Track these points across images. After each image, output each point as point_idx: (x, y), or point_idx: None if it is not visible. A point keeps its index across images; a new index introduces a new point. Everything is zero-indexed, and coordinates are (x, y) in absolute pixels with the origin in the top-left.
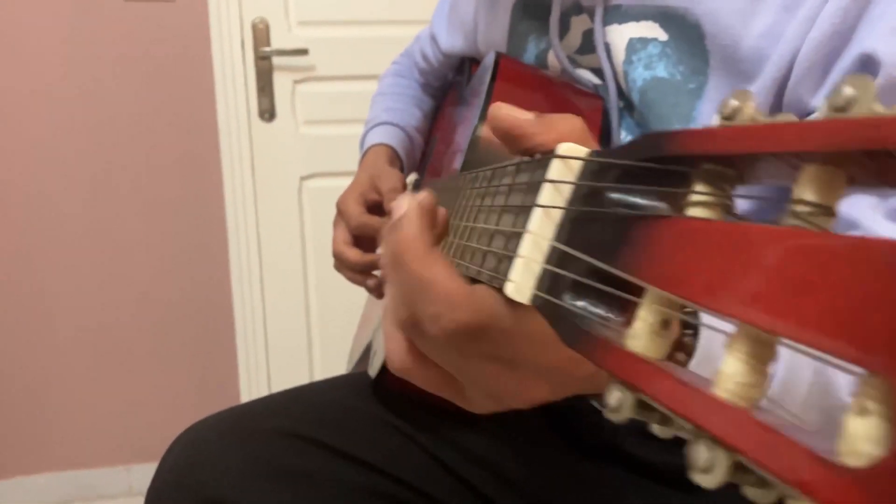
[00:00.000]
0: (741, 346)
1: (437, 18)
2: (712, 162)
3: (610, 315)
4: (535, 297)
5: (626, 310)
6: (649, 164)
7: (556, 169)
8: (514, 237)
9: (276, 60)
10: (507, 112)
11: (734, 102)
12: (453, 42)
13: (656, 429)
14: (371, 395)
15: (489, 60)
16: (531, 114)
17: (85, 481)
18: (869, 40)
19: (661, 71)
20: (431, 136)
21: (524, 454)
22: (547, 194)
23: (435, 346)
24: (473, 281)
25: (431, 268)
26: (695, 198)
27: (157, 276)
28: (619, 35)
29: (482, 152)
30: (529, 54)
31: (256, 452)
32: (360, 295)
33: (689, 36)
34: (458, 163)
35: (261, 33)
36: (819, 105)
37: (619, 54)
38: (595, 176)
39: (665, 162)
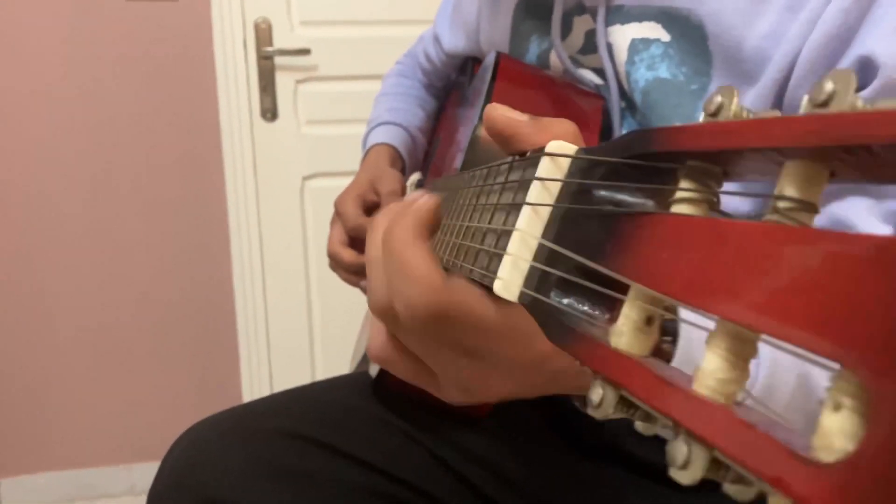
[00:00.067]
0: (721, 342)
1: (440, 18)
2: (697, 159)
3: (596, 312)
4: (523, 295)
5: (613, 307)
6: (636, 161)
7: (545, 167)
8: (504, 235)
9: (278, 60)
10: (501, 113)
11: (718, 99)
12: (456, 42)
13: (639, 426)
14: (371, 394)
15: (490, 60)
16: (525, 115)
17: (87, 480)
18: (868, 42)
19: (663, 72)
20: (434, 136)
21: (524, 454)
22: (535, 192)
23: (407, 332)
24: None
25: (415, 253)
26: (680, 195)
27: (159, 275)
28: (622, 35)
29: (481, 152)
30: (532, 54)
31: (257, 452)
32: (361, 295)
33: (692, 37)
34: (458, 162)
35: (263, 33)
36: None
37: (622, 55)
38: (583, 174)
39: (652, 159)
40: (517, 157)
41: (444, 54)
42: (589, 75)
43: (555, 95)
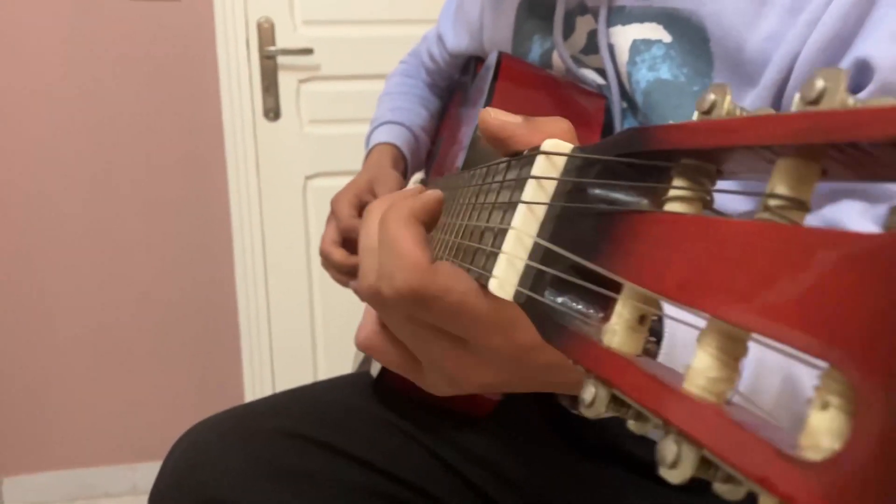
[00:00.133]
0: (712, 340)
1: (443, 18)
2: (691, 157)
3: (590, 311)
4: (518, 294)
5: (606, 306)
6: (630, 159)
7: (540, 165)
8: (500, 234)
9: (280, 60)
10: (494, 116)
11: (711, 97)
12: (459, 42)
13: (632, 425)
14: (372, 394)
15: (492, 60)
16: (519, 117)
17: (89, 480)
18: (865, 45)
19: (664, 73)
20: (438, 135)
21: (524, 454)
22: (531, 190)
23: (391, 313)
24: None
25: (406, 234)
26: (673, 193)
27: (161, 275)
28: (623, 36)
29: (482, 151)
30: (534, 54)
31: (257, 453)
32: None
33: (693, 38)
34: (460, 161)
35: (266, 32)
36: None
37: (623, 55)
38: (578, 172)
39: (646, 157)
40: (514, 156)
41: (447, 54)
42: (591, 75)
43: (556, 95)
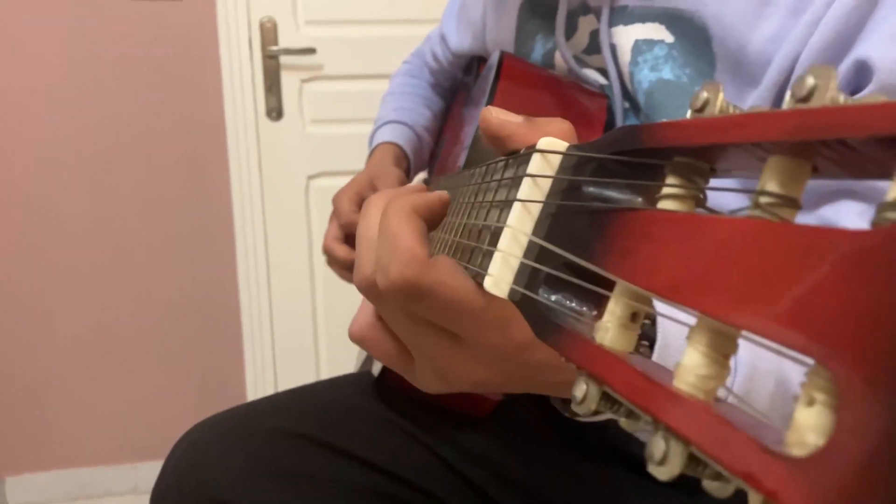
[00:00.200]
0: (701, 337)
1: (446, 18)
2: (683, 154)
3: (583, 309)
4: (513, 292)
5: (600, 304)
6: (624, 157)
7: (535, 164)
8: (496, 232)
9: (283, 59)
10: (495, 115)
11: (704, 95)
12: (462, 42)
13: (623, 423)
14: (373, 394)
15: (494, 60)
16: (520, 116)
17: (91, 479)
18: (865, 46)
19: (667, 73)
20: (441, 135)
21: (524, 454)
22: (526, 189)
23: (385, 305)
24: None
25: (405, 227)
26: (666, 191)
27: (164, 275)
28: (625, 36)
29: (483, 151)
30: (536, 54)
31: (258, 452)
32: None
33: (695, 38)
34: (462, 161)
35: (268, 32)
36: None
37: (625, 55)
38: (574, 170)
39: (639, 155)
40: (512, 155)
41: (450, 54)
42: (593, 75)
43: (558, 94)
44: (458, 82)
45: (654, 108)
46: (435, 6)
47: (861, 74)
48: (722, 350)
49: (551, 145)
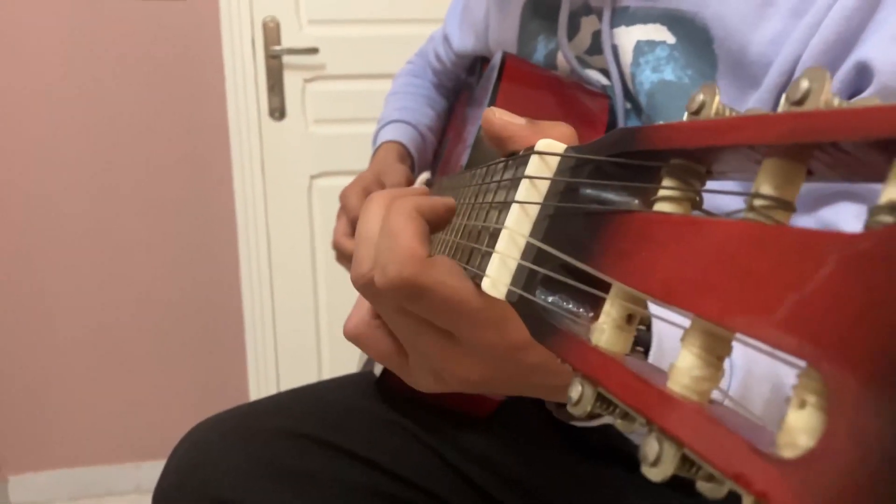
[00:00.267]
0: (695, 339)
1: (450, 18)
2: (679, 157)
3: (580, 310)
4: (510, 293)
5: (596, 305)
6: (621, 159)
7: (534, 165)
8: (495, 233)
9: (286, 59)
10: (499, 116)
11: (700, 97)
12: (465, 42)
13: (619, 424)
14: (374, 394)
15: (496, 60)
16: (523, 119)
17: (94, 478)
18: (866, 48)
19: (668, 74)
20: (444, 136)
21: (526, 454)
22: (524, 190)
23: (381, 302)
24: None
25: (406, 225)
26: (662, 193)
27: (166, 274)
28: (627, 37)
29: (485, 151)
30: (539, 54)
31: (259, 452)
32: None
33: (697, 40)
34: (464, 161)
35: (271, 32)
36: None
37: (627, 56)
38: (572, 172)
39: (636, 157)
40: (511, 156)
41: (453, 54)
42: (596, 76)
43: (560, 95)
44: (461, 83)
45: (656, 109)
46: (437, 6)
47: (862, 76)
48: (716, 352)
49: (549, 147)
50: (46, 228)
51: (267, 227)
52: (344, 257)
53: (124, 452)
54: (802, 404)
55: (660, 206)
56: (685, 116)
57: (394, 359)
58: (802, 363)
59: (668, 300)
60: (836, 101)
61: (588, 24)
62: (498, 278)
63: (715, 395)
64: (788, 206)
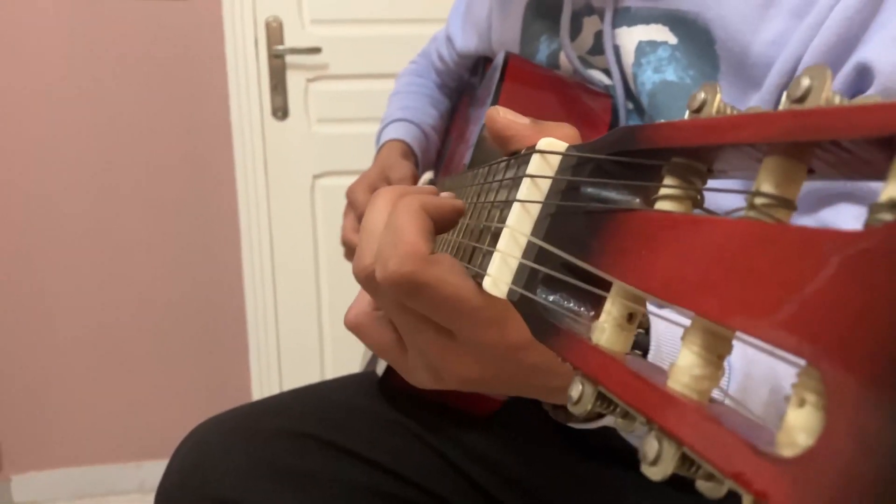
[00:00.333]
0: (696, 338)
1: (452, 19)
2: (680, 155)
3: (581, 309)
4: (511, 292)
5: (597, 304)
6: (623, 158)
7: (535, 164)
8: (496, 232)
9: (289, 59)
10: (503, 114)
11: (702, 95)
12: (468, 42)
13: (619, 423)
14: (376, 393)
15: (499, 60)
16: (527, 118)
17: (97, 477)
18: (867, 49)
19: (670, 74)
20: (447, 135)
21: (527, 454)
22: (525, 189)
23: (380, 295)
24: None
25: (411, 221)
26: (664, 191)
27: (169, 274)
28: (629, 37)
29: (488, 150)
30: (542, 54)
31: (261, 452)
32: None
33: (698, 40)
34: (467, 160)
35: (274, 32)
36: None
37: (629, 57)
38: (573, 171)
39: (637, 156)
40: (513, 155)
41: (456, 54)
42: (598, 76)
43: (563, 95)
44: (464, 83)
45: (658, 110)
46: (440, 5)
47: (862, 77)
48: (716, 351)
49: (551, 146)
50: (49, 228)
51: (270, 226)
52: (352, 253)
53: (126, 452)
54: (802, 403)
55: (661, 205)
56: (686, 115)
57: (392, 351)
58: (802, 362)
59: (668, 299)
60: (837, 99)
61: (590, 25)
62: (499, 277)
63: (715, 394)
64: (789, 205)
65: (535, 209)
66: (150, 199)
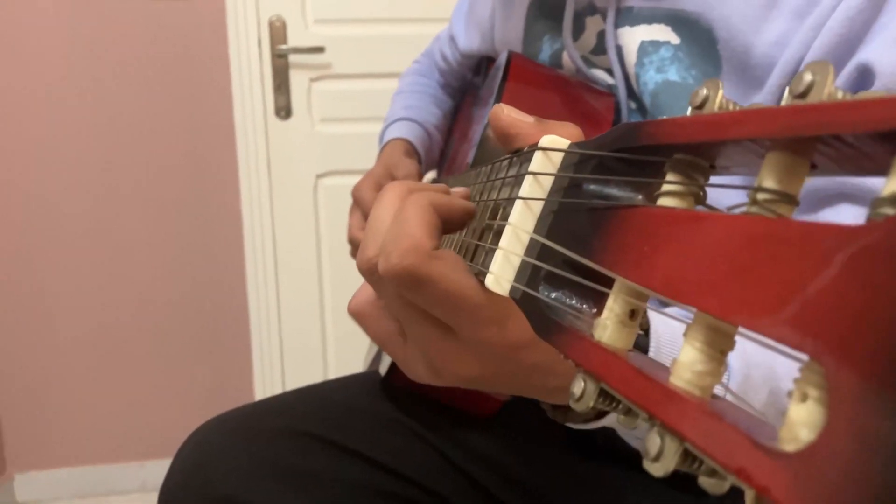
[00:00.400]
0: (698, 334)
1: (455, 19)
2: (682, 151)
3: (583, 306)
4: (514, 290)
5: (599, 301)
6: (625, 155)
7: (537, 162)
8: (499, 230)
9: (292, 58)
10: (506, 112)
11: (704, 92)
12: (471, 42)
13: (621, 419)
14: (379, 393)
15: (501, 60)
16: (531, 117)
17: (99, 477)
18: (868, 50)
19: (672, 74)
20: (450, 135)
21: (528, 454)
22: (528, 187)
23: (381, 288)
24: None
25: (419, 218)
26: (666, 188)
27: (172, 273)
28: (631, 37)
29: (491, 149)
30: (544, 54)
31: (262, 452)
32: None
33: (701, 40)
34: (470, 159)
35: (277, 31)
36: None
37: (631, 57)
38: (575, 168)
39: (640, 152)
40: (515, 153)
41: (459, 54)
42: (602, 75)
43: (566, 94)
44: (467, 83)
45: (660, 110)
46: (443, 5)
47: (864, 78)
48: (718, 346)
49: (553, 143)
50: (50, 228)
51: (273, 226)
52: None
53: (129, 451)
54: (804, 398)
55: (663, 201)
56: (689, 111)
57: (392, 342)
58: (805, 357)
59: (670, 295)
60: (839, 95)
61: (593, 24)
62: (501, 275)
63: (717, 390)
64: (791, 200)
65: (538, 206)
66: (153, 198)
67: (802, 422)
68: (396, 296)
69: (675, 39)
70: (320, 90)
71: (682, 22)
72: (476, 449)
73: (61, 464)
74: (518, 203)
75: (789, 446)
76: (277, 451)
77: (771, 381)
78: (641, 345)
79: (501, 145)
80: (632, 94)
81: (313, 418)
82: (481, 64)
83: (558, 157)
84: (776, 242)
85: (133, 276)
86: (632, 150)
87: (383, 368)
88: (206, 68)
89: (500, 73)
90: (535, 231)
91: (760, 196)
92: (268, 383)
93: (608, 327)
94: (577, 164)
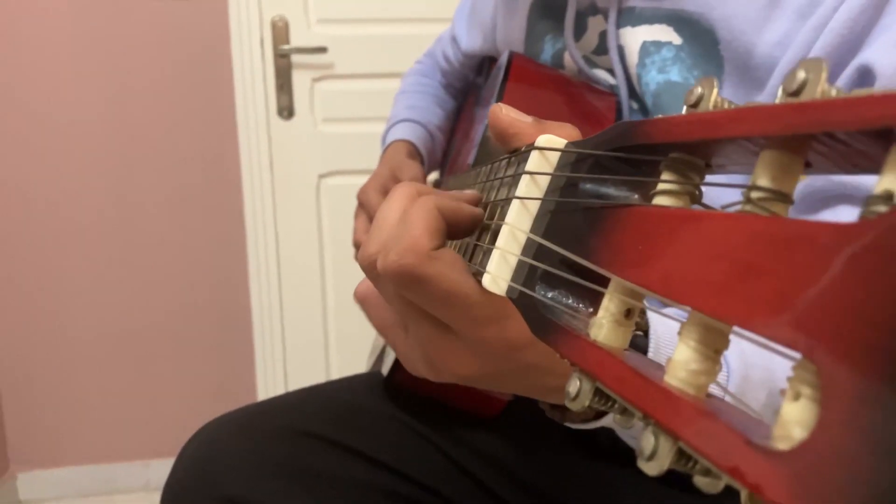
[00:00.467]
0: (692, 333)
1: (457, 19)
2: (677, 150)
3: (579, 306)
4: (510, 289)
5: (596, 300)
6: (621, 154)
7: (534, 161)
8: (496, 230)
9: (295, 58)
10: (506, 112)
11: (699, 90)
12: (473, 42)
13: (617, 419)
14: (382, 393)
15: (503, 60)
16: (530, 117)
17: (103, 476)
18: (868, 52)
19: (674, 75)
20: (453, 135)
21: (533, 454)
22: (524, 186)
23: (380, 284)
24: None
25: (423, 219)
26: (661, 186)
27: (175, 273)
28: (633, 37)
29: (492, 150)
30: (546, 54)
31: (267, 451)
32: None
33: (703, 41)
34: (471, 159)
35: (280, 31)
36: None
37: (633, 57)
38: (571, 168)
39: (636, 151)
40: (513, 153)
41: (461, 54)
42: (604, 75)
43: (567, 94)
44: (469, 83)
45: (662, 110)
46: (445, 5)
47: (864, 79)
48: (713, 345)
49: (550, 143)
50: (53, 227)
51: (275, 226)
52: None
53: (133, 450)
54: (797, 396)
55: (659, 200)
56: (684, 110)
57: (394, 331)
58: (798, 355)
59: (665, 294)
60: (833, 92)
61: (595, 24)
62: (498, 274)
63: (713, 389)
64: (786, 199)
65: (534, 206)
66: (155, 198)
67: (795, 420)
68: (395, 293)
69: (676, 40)
70: (323, 90)
71: (683, 22)
72: (480, 449)
73: (64, 463)
74: (515, 203)
75: (782, 444)
76: (281, 450)
77: (769, 381)
78: (640, 346)
79: (500, 145)
80: (633, 94)
81: (317, 418)
82: (483, 64)
83: (555, 157)
84: (770, 241)
85: (135, 276)
86: (628, 150)
87: (386, 368)
88: (208, 68)
89: (502, 73)
90: (532, 231)
91: (755, 194)
92: (270, 383)
93: (604, 326)
94: (573, 163)
